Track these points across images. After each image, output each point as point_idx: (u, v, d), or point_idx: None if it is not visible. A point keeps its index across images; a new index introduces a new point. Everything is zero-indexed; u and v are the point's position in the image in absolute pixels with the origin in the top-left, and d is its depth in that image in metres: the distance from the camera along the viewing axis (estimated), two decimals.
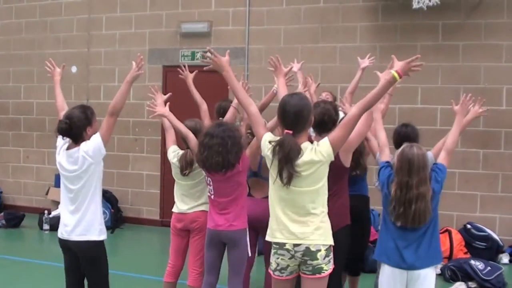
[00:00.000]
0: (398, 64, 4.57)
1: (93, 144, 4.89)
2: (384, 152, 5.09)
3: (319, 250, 4.37)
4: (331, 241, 4.45)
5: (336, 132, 4.44)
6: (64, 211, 5.10)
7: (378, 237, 5.08)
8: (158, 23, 11.23)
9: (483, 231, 9.09)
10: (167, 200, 10.88)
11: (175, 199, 6.23)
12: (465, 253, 8.83)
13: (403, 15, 9.56)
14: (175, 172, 6.14)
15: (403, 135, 5.95)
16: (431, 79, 9.56)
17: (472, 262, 8.00)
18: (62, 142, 5.06)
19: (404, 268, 4.70)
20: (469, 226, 9.08)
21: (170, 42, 11.15)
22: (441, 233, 8.99)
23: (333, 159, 4.39)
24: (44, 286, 7.63)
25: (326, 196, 4.48)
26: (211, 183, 5.43)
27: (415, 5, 8.97)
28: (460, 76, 9.47)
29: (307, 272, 4.42)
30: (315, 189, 4.38)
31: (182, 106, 10.91)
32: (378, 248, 4.94)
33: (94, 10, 11.69)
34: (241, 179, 5.41)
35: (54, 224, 10.73)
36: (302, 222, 4.40)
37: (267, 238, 4.57)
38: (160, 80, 11.16)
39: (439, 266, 7.70)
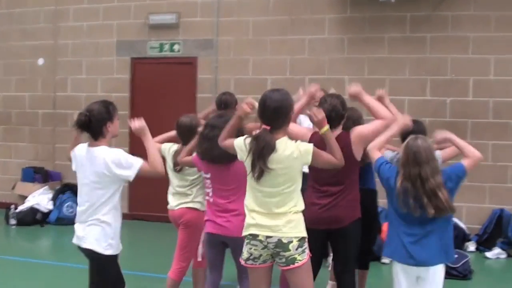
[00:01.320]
0: None
1: (124, 163, 4.60)
2: (374, 151, 4.98)
3: (291, 242, 4.39)
4: (303, 233, 4.46)
5: (321, 153, 4.49)
6: (77, 218, 4.97)
7: (386, 234, 5.03)
8: (126, 15, 11.14)
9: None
10: (135, 194, 10.83)
11: (168, 196, 6.21)
12: None
13: (371, 7, 9.60)
14: (169, 168, 6.05)
15: (409, 131, 5.71)
16: (399, 71, 9.63)
17: None
18: (79, 152, 4.89)
19: (412, 264, 4.67)
20: None
21: (138, 34, 11.07)
22: None
23: (309, 161, 4.42)
24: (11, 282, 7.49)
25: (300, 196, 4.49)
26: (210, 185, 5.32)
27: None
28: (427, 67, 9.55)
29: (282, 264, 4.46)
30: (287, 190, 4.40)
31: (149, 98, 10.91)
32: (386, 245, 4.92)
33: (61, 2, 11.55)
34: (243, 171, 5.19)
35: (21, 218, 10.66)
36: (273, 216, 4.42)
37: (244, 232, 4.56)
38: (128, 72, 11.08)
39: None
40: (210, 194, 5.34)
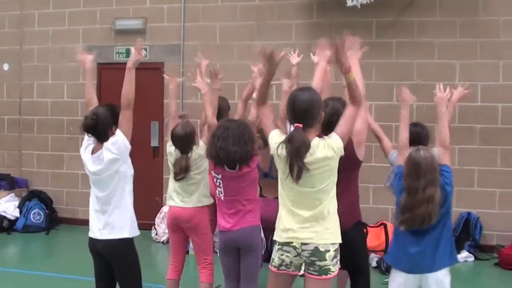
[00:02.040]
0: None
1: (116, 138, 4.80)
2: (402, 154, 4.98)
3: (328, 251, 4.24)
4: (339, 239, 4.32)
5: (342, 127, 4.35)
6: (92, 213, 5.03)
7: (391, 242, 4.99)
8: (92, 20, 11.07)
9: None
10: None
11: (169, 192, 6.26)
12: None
13: (337, 13, 9.64)
14: (171, 166, 6.15)
15: (413, 135, 5.76)
16: (365, 76, 9.43)
17: None
18: (86, 143, 4.97)
19: (416, 272, 4.66)
20: None
21: (104, 39, 11.00)
22: (376, 226, 9.14)
23: (343, 153, 4.29)
24: None
25: (335, 194, 4.35)
26: (221, 184, 5.27)
27: (349, 3, 9.07)
28: (393, 72, 9.63)
29: (314, 273, 4.28)
30: (325, 188, 4.26)
31: (116, 104, 10.81)
32: (390, 253, 4.90)
33: (26, 6, 11.45)
34: (254, 176, 5.28)
35: None
36: (311, 221, 4.27)
37: (274, 237, 4.43)
38: (95, 78, 10.99)
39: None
40: (222, 192, 5.28)
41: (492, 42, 9.40)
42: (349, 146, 4.94)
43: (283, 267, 4.38)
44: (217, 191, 5.36)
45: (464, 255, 9.09)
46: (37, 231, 10.55)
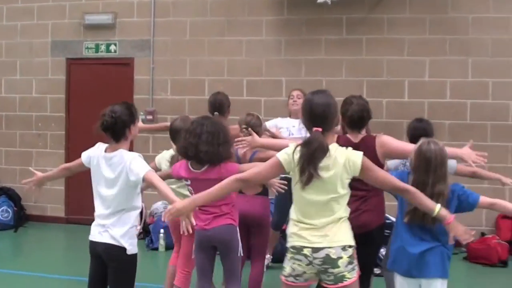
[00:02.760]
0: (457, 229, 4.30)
1: (137, 167, 4.53)
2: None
3: (341, 258, 4.06)
4: (352, 242, 4.16)
5: (374, 168, 4.16)
6: (97, 215, 4.82)
7: (390, 245, 4.87)
8: (61, 14, 10.93)
9: (388, 219, 9.26)
10: (72, 197, 10.69)
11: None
12: None
13: (308, 9, 9.66)
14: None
15: (420, 130, 5.73)
16: (335, 72, 9.72)
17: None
18: (95, 150, 4.82)
19: (416, 276, 4.54)
20: None
21: (73, 34, 10.88)
22: None
23: (356, 175, 4.09)
24: None
25: (347, 201, 4.19)
26: (192, 192, 5.12)
27: (319, 0, 9.08)
28: (363, 69, 9.66)
29: (329, 282, 4.12)
30: (335, 199, 4.11)
31: (85, 100, 10.74)
32: (390, 256, 4.75)
33: None
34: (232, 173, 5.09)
35: None
36: (322, 227, 4.10)
37: (288, 244, 4.22)
38: (64, 73, 10.89)
39: None
40: (192, 192, 5.13)
41: (461, 39, 9.47)
42: (372, 148, 4.98)
43: (291, 278, 4.19)
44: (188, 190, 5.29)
45: None
46: (5, 229, 10.41)
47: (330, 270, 4.06)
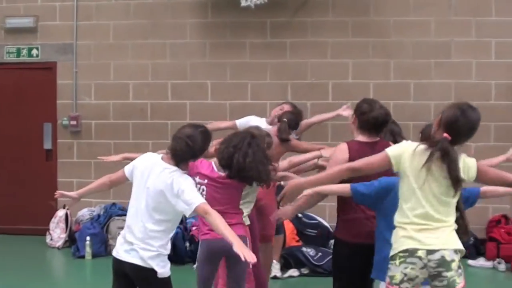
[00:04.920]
0: None
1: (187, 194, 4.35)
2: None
3: (453, 261, 4.02)
4: (461, 246, 4.14)
5: (488, 170, 4.23)
6: (128, 227, 4.59)
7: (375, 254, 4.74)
8: None
9: (314, 219, 9.38)
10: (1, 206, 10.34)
11: None
12: (297, 241, 9.04)
13: (232, 13, 9.65)
14: None
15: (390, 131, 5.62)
16: (260, 75, 9.76)
17: (304, 249, 8.33)
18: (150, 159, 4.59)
19: None
20: (300, 215, 9.32)
21: None
22: None
23: (470, 181, 4.15)
24: None
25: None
26: (204, 191, 5.00)
27: (243, 3, 9.09)
28: (288, 72, 9.73)
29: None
30: (453, 200, 4.13)
31: (6, 105, 10.47)
32: (375, 265, 4.66)
33: None
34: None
35: None
36: (437, 229, 4.07)
37: (395, 249, 4.11)
38: None
39: None
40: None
41: (383, 42, 9.65)
42: None
43: (405, 284, 4.06)
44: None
45: None
46: None
47: (444, 274, 4.01)
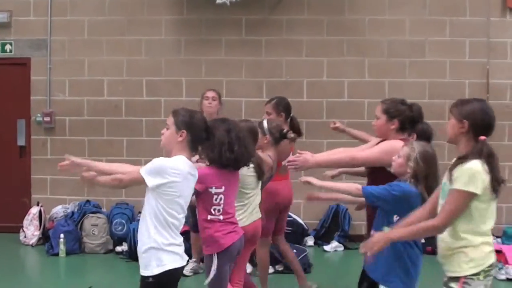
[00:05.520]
0: None
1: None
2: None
3: None
4: None
5: None
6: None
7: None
8: None
9: (289, 216, 9.39)
10: None
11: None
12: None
13: (207, 9, 9.63)
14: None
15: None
16: (235, 73, 9.76)
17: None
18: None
19: None
20: None
21: None
22: None
23: None
24: None
25: None
26: (222, 201, 4.87)
27: (218, 0, 9.08)
28: (263, 69, 9.75)
29: None
30: None
31: None
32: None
33: None
34: None
35: None
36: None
37: (477, 268, 3.92)
38: None
39: None
40: (220, 211, 4.89)
41: (358, 40, 9.70)
42: None
43: None
44: (215, 211, 4.93)
45: (334, 245, 9.40)
46: None
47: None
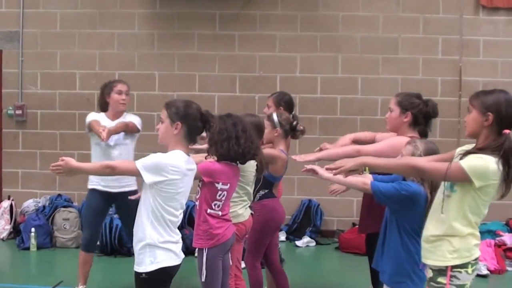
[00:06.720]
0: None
1: None
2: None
3: None
4: None
5: None
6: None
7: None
8: None
9: None
10: None
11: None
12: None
13: (180, 4, 9.62)
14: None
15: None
16: (208, 67, 9.75)
17: None
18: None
19: None
20: None
21: None
22: None
23: None
24: None
25: None
26: (225, 196, 4.86)
27: None
28: (236, 64, 9.75)
29: None
30: None
31: None
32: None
33: None
34: None
35: None
36: None
37: (463, 259, 3.89)
38: None
39: None
40: (219, 206, 4.86)
41: (331, 36, 9.72)
42: None
43: None
44: (216, 206, 4.89)
45: (305, 240, 9.44)
46: None
47: None
